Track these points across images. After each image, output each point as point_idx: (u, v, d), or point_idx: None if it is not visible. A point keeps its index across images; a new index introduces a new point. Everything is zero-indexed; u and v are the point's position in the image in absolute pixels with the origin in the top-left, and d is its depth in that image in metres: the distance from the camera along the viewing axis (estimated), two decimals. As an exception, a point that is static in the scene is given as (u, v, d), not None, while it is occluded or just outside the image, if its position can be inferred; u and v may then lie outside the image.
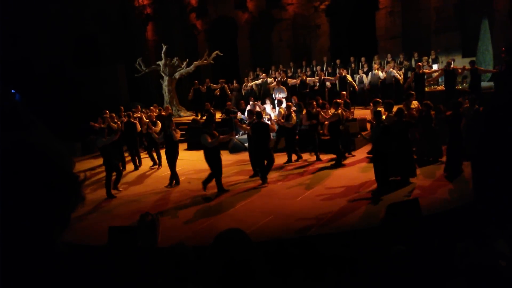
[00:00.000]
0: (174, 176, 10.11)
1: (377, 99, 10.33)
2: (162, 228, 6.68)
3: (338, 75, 15.49)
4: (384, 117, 8.88)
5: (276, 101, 13.60)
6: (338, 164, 10.37)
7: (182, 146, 14.72)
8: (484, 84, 14.63)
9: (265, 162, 9.54)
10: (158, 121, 12.06)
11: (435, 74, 14.13)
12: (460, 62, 14.95)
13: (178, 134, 10.02)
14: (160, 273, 3.20)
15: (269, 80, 16.39)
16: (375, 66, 15.74)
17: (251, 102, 14.06)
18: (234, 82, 17.42)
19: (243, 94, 17.09)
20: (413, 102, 10.39)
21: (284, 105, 13.04)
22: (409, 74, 15.07)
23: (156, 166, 12.20)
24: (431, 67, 15.06)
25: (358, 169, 9.90)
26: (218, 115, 15.49)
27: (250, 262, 1.63)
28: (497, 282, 2.27)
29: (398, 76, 15.09)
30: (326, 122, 11.99)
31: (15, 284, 0.78)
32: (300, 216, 7.49)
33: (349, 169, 9.97)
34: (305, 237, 6.55)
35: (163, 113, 14.60)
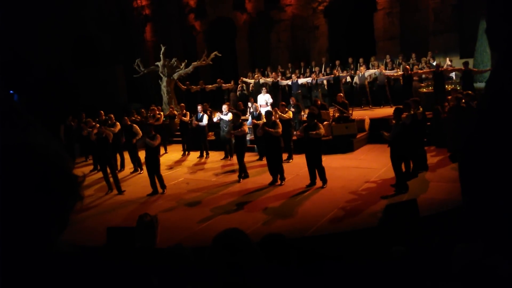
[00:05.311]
0: (153, 184, 9.52)
1: (416, 98, 9.96)
2: (160, 229, 6.68)
3: (315, 76, 15.58)
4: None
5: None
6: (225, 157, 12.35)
7: (180, 147, 14.71)
8: (482, 84, 14.67)
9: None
10: (134, 125, 11.67)
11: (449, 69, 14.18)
12: (457, 63, 15.01)
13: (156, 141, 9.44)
14: (158, 274, 3.20)
15: (261, 80, 16.43)
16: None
17: (249, 104, 14.06)
18: (232, 82, 17.42)
19: (238, 95, 17.05)
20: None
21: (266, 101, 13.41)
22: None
23: (138, 171, 11.86)
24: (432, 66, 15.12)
25: (357, 170, 9.91)
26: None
27: (249, 262, 1.63)
28: (496, 283, 2.27)
29: (371, 75, 15.34)
30: (326, 122, 12.02)
31: (13, 285, 0.78)
32: (300, 216, 7.49)
33: (348, 170, 9.97)
34: (304, 237, 6.55)
35: (175, 112, 14.70)
